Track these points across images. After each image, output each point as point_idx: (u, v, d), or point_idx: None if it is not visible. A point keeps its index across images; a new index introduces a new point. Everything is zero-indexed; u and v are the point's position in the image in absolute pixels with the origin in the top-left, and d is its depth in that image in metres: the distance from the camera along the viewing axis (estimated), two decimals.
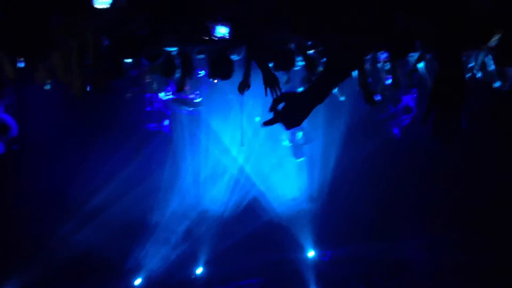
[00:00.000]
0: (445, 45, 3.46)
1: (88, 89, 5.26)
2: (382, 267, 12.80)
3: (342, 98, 8.56)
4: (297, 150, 9.83)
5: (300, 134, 9.67)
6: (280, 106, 4.17)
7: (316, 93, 3.99)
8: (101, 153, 11.24)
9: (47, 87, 5.81)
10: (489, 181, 10.63)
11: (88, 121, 10.65)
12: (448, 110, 3.14)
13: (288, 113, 4.08)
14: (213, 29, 4.68)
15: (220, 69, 5.47)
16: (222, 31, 4.70)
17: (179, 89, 5.84)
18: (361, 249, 13.47)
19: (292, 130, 9.58)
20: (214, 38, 4.66)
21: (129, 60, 5.99)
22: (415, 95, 9.31)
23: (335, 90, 8.01)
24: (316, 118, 12.10)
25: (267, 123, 3.99)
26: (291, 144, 9.85)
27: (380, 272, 12.74)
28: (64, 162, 10.87)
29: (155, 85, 9.12)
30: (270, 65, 5.52)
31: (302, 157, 9.99)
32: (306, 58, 5.50)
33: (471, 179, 10.88)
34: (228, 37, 4.68)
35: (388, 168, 12.15)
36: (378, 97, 4.71)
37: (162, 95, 10.37)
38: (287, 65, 5.47)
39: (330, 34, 4.51)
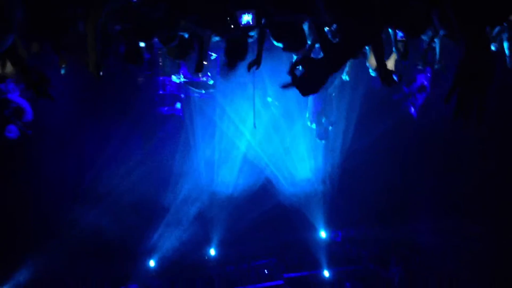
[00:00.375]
0: (470, 23, 3.41)
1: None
2: (393, 248, 12.86)
3: (347, 78, 8.49)
4: (321, 131, 9.92)
5: (324, 118, 9.78)
6: (298, 71, 4.26)
7: (333, 60, 4.03)
8: (115, 136, 11.27)
9: (62, 71, 5.85)
10: (507, 166, 10.53)
11: (101, 105, 10.69)
12: (473, 91, 3.12)
13: (305, 78, 4.14)
14: (240, 17, 4.75)
15: (236, 50, 5.43)
16: (247, 18, 4.75)
17: (197, 69, 5.83)
18: (372, 230, 13.53)
19: (315, 112, 9.68)
20: (238, 25, 4.74)
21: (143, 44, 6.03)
22: (429, 74, 9.23)
23: (346, 68, 7.99)
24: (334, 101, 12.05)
25: (285, 86, 4.06)
26: (316, 125, 9.95)
27: (391, 253, 12.81)
28: (78, 146, 10.96)
29: (167, 68, 9.15)
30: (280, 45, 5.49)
31: (325, 139, 10.06)
32: (322, 38, 5.45)
33: (488, 164, 10.78)
34: (251, 23, 4.75)
35: (401, 150, 12.09)
36: (395, 77, 4.66)
37: (174, 78, 10.39)
38: (298, 45, 5.42)
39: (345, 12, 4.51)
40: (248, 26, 4.82)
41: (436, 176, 11.74)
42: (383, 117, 10.86)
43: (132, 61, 5.34)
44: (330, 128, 9.99)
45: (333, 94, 9.97)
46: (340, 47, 4.16)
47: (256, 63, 5.69)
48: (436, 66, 6.98)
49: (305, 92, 4.16)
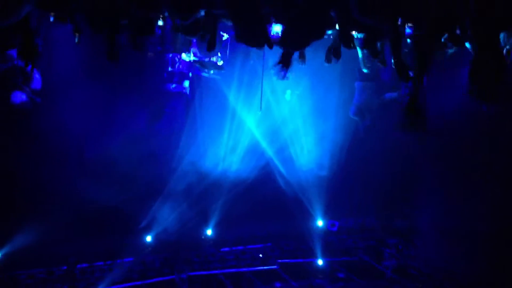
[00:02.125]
0: (481, 26, 3.45)
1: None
2: (390, 238, 12.93)
3: (365, 71, 8.49)
4: (364, 124, 10.21)
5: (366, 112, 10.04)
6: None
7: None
8: (121, 110, 11.27)
9: (76, 40, 5.84)
10: (500, 154, 10.54)
11: (109, 77, 10.65)
12: (486, 78, 3.23)
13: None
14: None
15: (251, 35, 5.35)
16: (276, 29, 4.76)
17: (209, 47, 5.78)
18: (369, 221, 13.60)
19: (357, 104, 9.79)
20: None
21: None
22: None
23: (361, 59, 7.98)
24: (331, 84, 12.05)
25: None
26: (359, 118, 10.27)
27: (387, 244, 12.89)
28: (83, 117, 10.94)
29: (178, 46, 9.10)
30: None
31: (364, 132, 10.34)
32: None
33: (482, 151, 10.79)
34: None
35: (400, 142, 12.09)
36: (411, 73, 4.63)
37: (184, 56, 10.35)
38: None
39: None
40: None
41: (436, 167, 11.76)
42: (384, 109, 10.81)
43: (144, 32, 5.29)
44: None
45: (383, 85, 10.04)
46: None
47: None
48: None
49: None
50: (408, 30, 5.62)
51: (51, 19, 5.29)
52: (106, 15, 4.74)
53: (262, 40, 4.81)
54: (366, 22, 4.65)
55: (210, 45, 5.76)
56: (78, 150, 11.27)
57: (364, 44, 5.41)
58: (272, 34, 5.79)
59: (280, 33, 5.00)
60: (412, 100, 4.41)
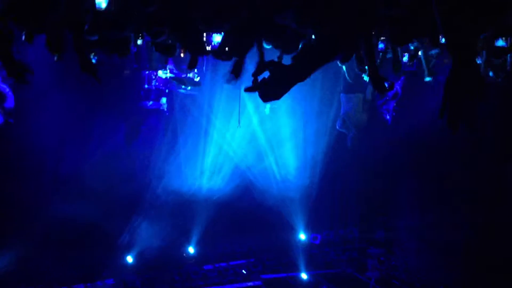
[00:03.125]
0: (457, 37, 3.45)
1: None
2: (372, 249, 12.98)
3: (350, 80, 8.62)
4: (349, 136, 10.32)
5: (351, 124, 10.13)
6: (264, 75, 4.22)
7: (302, 69, 4.01)
8: (98, 128, 11.19)
9: (55, 58, 5.73)
10: (477, 169, 10.73)
11: (86, 96, 10.56)
12: (463, 102, 3.18)
13: (270, 83, 4.12)
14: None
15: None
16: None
17: (191, 66, 5.74)
18: (351, 233, 13.64)
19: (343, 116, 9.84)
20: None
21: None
22: (402, 80, 9.50)
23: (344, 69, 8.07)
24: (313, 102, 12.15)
25: (248, 90, 4.02)
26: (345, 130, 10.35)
27: (369, 255, 12.92)
28: (59, 136, 10.81)
29: (154, 63, 9.07)
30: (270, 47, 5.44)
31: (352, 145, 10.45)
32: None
33: (458, 163, 10.97)
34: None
35: (379, 154, 12.22)
36: (386, 84, 4.68)
37: (161, 73, 10.32)
38: (291, 48, 5.37)
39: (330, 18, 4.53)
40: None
41: (415, 177, 11.89)
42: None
43: (118, 51, 5.24)
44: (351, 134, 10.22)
45: (368, 98, 10.12)
46: (314, 52, 4.15)
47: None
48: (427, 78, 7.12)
49: (266, 98, 4.13)
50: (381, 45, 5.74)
51: (22, 37, 5.19)
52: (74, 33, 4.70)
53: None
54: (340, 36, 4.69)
55: (192, 63, 5.72)
56: (54, 168, 11.10)
57: (341, 59, 5.44)
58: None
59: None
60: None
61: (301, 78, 4.14)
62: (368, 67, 4.89)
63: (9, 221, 10.24)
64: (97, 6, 4.67)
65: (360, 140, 10.87)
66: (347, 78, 8.46)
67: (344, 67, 8.09)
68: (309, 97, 12.08)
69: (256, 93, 4.80)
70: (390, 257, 12.78)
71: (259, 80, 4.41)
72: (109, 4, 4.68)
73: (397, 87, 10.15)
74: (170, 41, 5.51)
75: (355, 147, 10.95)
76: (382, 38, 5.71)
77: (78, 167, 11.07)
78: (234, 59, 5.00)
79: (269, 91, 4.27)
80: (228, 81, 4.97)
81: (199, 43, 5.08)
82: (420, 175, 11.75)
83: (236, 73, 5.00)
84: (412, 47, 6.98)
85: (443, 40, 5.54)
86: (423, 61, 7.27)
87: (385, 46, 6.52)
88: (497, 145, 10.22)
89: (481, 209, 10.47)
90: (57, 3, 4.28)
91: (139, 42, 5.87)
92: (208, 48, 5.81)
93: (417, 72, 9.11)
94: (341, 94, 10.29)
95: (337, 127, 10.58)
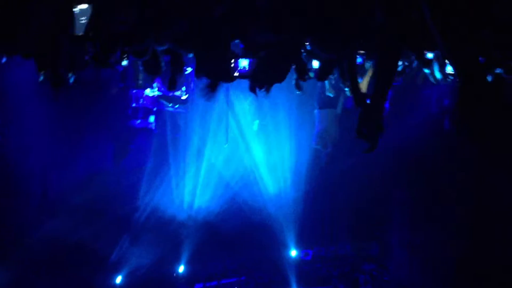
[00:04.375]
0: (461, 52, 3.45)
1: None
2: (363, 264, 12.94)
3: (331, 95, 8.60)
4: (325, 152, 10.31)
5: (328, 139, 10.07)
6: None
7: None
8: (85, 147, 11.12)
9: (40, 78, 5.71)
10: (466, 182, 10.77)
11: (72, 116, 10.53)
12: (472, 114, 3.20)
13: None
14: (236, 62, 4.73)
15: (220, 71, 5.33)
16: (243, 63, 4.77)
17: (170, 87, 5.73)
18: (343, 248, 13.59)
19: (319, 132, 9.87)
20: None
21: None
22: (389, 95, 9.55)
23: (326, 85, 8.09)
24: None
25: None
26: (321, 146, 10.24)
27: (361, 271, 12.88)
28: (45, 155, 10.73)
29: (141, 81, 9.09)
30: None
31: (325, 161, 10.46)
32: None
33: (450, 180, 11.00)
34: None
35: (371, 168, 12.24)
36: (368, 100, 4.70)
37: (148, 91, 10.35)
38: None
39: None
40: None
41: (406, 192, 11.91)
42: (351, 137, 10.92)
43: (101, 64, 5.21)
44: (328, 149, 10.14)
45: (338, 113, 10.04)
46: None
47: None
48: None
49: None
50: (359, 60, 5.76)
51: (3, 60, 5.17)
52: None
53: (226, 75, 4.87)
54: (320, 54, 4.72)
55: (171, 84, 5.71)
56: (41, 188, 10.98)
57: (319, 75, 5.41)
58: (239, 68, 5.81)
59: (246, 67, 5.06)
60: (369, 110, 4.47)
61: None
62: (349, 82, 4.94)
63: None
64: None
65: (334, 157, 10.81)
66: (328, 93, 8.43)
67: (326, 82, 8.09)
68: (297, 111, 12.13)
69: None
70: (382, 272, 12.75)
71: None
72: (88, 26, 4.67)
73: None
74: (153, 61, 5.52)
75: (328, 164, 10.91)
76: (361, 52, 5.71)
77: (65, 187, 10.97)
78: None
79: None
80: (205, 97, 4.92)
81: (227, 70, 4.99)
82: (412, 189, 11.78)
83: (212, 89, 5.00)
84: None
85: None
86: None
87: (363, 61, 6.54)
88: (488, 155, 10.26)
89: (475, 223, 10.48)
90: (28, 22, 4.27)
91: (124, 63, 5.86)
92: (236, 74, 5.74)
93: (403, 86, 9.22)
94: (316, 110, 10.15)
95: (314, 145, 10.46)
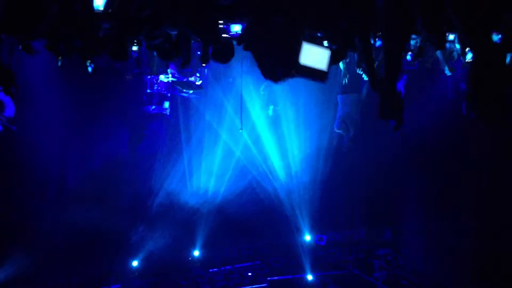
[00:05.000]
0: (474, 28, 3.37)
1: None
2: (378, 250, 12.92)
3: (346, 81, 8.59)
4: (347, 138, 10.38)
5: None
6: None
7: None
8: (100, 134, 11.20)
9: (59, 63, 5.75)
10: (484, 164, 10.65)
11: (88, 102, 10.57)
12: (488, 93, 3.15)
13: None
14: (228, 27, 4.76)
15: (219, 52, 5.38)
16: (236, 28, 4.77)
17: (184, 64, 5.81)
18: (357, 234, 13.58)
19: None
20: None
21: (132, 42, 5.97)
22: (404, 79, 9.46)
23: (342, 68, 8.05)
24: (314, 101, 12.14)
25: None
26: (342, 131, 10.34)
27: (375, 256, 12.86)
28: (62, 142, 10.82)
29: (155, 67, 9.08)
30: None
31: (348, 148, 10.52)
32: None
33: (466, 167, 10.89)
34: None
35: (385, 154, 12.16)
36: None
37: (162, 77, 10.33)
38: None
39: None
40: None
41: (422, 178, 11.82)
42: (368, 122, 10.83)
43: (117, 57, 5.25)
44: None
45: (363, 98, 10.06)
46: None
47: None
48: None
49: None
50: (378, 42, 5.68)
51: (19, 47, 5.20)
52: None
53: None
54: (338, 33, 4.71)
55: (185, 62, 5.76)
56: (57, 176, 11.09)
57: (336, 57, 5.37)
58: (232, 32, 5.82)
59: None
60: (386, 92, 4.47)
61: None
62: (366, 66, 4.90)
63: (14, 230, 10.23)
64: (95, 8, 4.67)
65: (357, 141, 10.82)
66: (343, 76, 8.44)
67: (341, 65, 8.05)
68: (311, 98, 12.05)
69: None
70: (397, 257, 12.71)
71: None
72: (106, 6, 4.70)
73: (400, 86, 10.08)
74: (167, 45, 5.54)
75: (351, 148, 10.89)
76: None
77: (81, 174, 11.07)
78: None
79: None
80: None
81: (214, 32, 5.07)
82: (427, 175, 11.68)
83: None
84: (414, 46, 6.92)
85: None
86: (440, 58, 7.25)
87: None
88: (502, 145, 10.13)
89: (489, 211, 10.38)
90: (49, 8, 4.29)
91: (134, 48, 5.87)
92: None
93: (419, 71, 9.09)
94: (339, 96, 10.20)
95: (335, 129, 10.50)
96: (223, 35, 5.37)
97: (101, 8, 4.83)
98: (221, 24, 5.40)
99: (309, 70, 4.48)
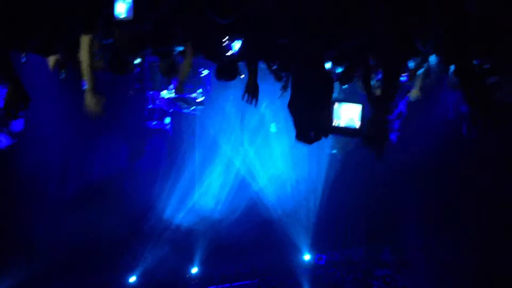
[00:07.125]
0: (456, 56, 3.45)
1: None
2: (377, 272, 12.82)
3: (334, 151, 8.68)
4: None
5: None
6: None
7: None
8: (101, 148, 11.20)
9: (62, 75, 5.75)
10: (483, 181, 10.64)
11: (88, 116, 10.59)
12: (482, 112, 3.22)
13: None
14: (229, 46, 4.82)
15: (225, 70, 5.43)
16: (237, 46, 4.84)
17: (177, 91, 5.80)
18: (356, 254, 13.49)
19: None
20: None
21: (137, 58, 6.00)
22: (406, 99, 9.49)
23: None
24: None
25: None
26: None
27: (374, 277, 12.76)
28: (62, 156, 10.82)
29: (157, 83, 9.13)
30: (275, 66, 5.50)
31: None
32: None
33: (466, 180, 10.88)
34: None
35: (384, 171, 12.15)
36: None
37: (164, 93, 10.38)
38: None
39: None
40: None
41: (421, 196, 11.80)
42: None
43: (117, 71, 5.28)
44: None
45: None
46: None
47: (253, 93, 5.35)
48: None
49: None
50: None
51: (23, 59, 5.23)
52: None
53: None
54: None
55: (178, 89, 5.76)
56: (57, 189, 11.06)
57: (342, 80, 5.52)
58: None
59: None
60: (375, 122, 4.47)
61: None
62: (364, 87, 4.97)
63: (13, 244, 10.20)
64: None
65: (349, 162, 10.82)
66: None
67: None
68: None
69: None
70: (396, 278, 12.61)
71: None
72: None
73: (401, 106, 10.14)
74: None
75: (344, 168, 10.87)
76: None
77: (80, 188, 11.05)
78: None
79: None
80: (248, 101, 5.07)
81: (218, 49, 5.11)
82: (426, 194, 11.67)
83: (252, 92, 5.06)
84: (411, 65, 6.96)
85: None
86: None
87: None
88: (502, 162, 10.14)
89: (491, 227, 10.35)
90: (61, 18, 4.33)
91: (137, 61, 5.90)
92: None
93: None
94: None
95: (330, 150, 10.50)
96: (227, 54, 5.39)
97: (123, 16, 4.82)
98: (224, 42, 5.41)
99: (341, 129, 4.55)
